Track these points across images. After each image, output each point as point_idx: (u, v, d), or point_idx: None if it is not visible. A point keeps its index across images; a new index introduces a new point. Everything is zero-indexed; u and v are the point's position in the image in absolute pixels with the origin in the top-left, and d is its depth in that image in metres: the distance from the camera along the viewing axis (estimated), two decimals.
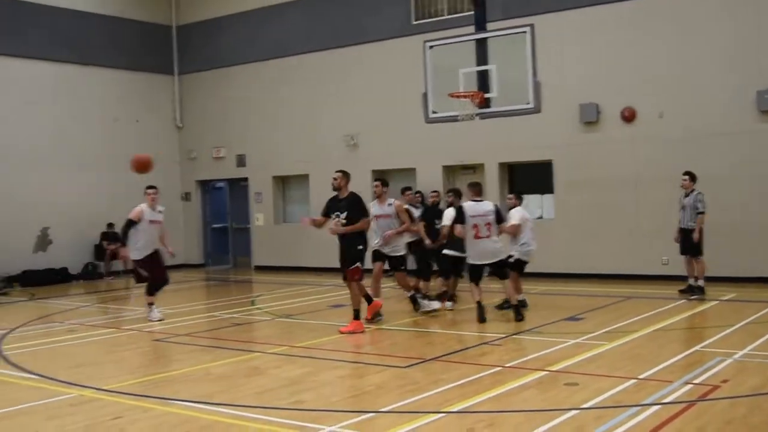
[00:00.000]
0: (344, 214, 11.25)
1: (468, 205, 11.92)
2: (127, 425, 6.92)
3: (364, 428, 6.64)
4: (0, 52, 19.78)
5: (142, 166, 10.82)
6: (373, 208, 12.41)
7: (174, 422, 7.01)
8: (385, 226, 12.38)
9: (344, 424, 6.67)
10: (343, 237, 11.35)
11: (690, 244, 13.73)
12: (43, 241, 20.46)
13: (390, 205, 12.50)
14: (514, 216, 12.52)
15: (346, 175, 11.60)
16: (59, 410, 7.52)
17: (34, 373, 9.13)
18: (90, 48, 21.60)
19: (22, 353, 10.56)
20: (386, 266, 12.66)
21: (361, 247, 11.31)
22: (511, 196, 12.99)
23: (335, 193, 11.53)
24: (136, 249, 12.82)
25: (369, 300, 11.90)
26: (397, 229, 12.36)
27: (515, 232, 12.38)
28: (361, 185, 18.09)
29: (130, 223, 12.68)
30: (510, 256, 12.46)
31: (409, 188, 14.94)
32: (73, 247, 20.86)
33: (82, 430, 6.85)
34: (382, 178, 12.93)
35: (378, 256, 12.46)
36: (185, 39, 23.63)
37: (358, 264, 11.26)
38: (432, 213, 13.99)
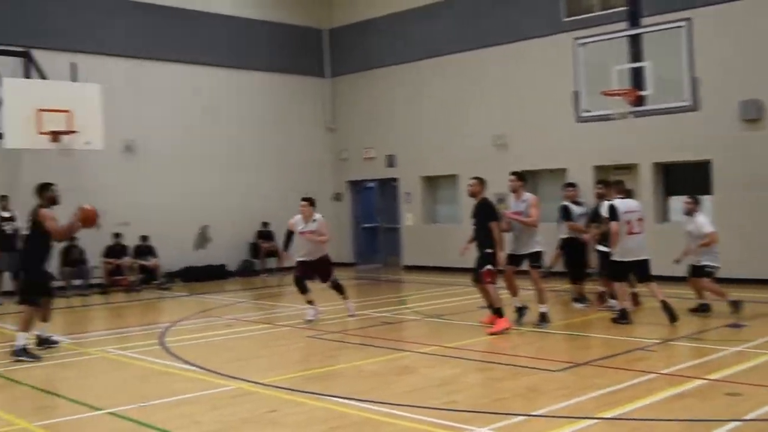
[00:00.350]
0: (474, 221, 11.62)
1: (618, 202, 11.83)
2: (280, 418, 7.14)
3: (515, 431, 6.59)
4: (168, 58, 20.81)
5: (89, 221, 10.58)
6: (511, 204, 12.24)
7: (325, 417, 7.17)
8: (517, 225, 12.01)
9: (495, 426, 6.64)
10: (475, 241, 11.60)
11: None
12: (203, 239, 21.35)
13: (524, 201, 12.04)
14: (704, 223, 12.26)
15: (480, 181, 11.83)
16: (219, 401, 7.83)
17: (194, 365, 9.54)
18: (248, 53, 22.39)
19: (183, 346, 11.05)
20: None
21: (490, 250, 11.37)
22: (689, 199, 12.50)
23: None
24: (300, 256, 13.12)
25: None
26: (523, 220, 11.85)
27: (715, 239, 12.09)
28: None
29: (289, 234, 13.07)
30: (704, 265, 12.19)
31: (572, 184, 14.48)
32: (231, 245, 21.68)
33: (240, 421, 7.11)
34: (518, 172, 12.56)
35: (511, 259, 12.06)
36: (337, 41, 24.09)
37: (489, 267, 11.36)
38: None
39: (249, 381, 8.59)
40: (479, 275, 11.49)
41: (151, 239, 19.44)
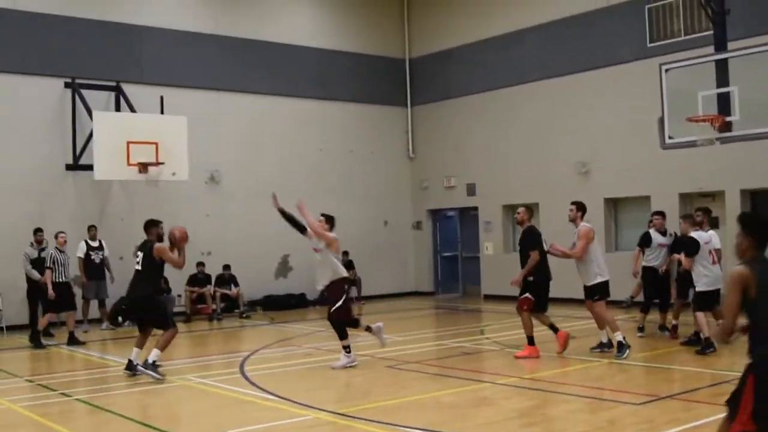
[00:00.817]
0: (519, 248, 12.21)
1: (697, 235, 11.87)
2: None
3: None
4: (250, 90, 21.22)
5: (184, 238, 11.25)
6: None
7: None
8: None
9: None
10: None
11: None
12: (284, 268, 21.57)
13: (575, 232, 11.90)
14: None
15: (528, 209, 12.41)
16: (296, 431, 7.84)
17: (273, 394, 9.59)
18: (327, 83, 22.67)
19: (262, 374, 11.14)
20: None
21: (531, 278, 11.69)
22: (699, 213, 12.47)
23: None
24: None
25: (554, 330, 11.96)
26: (563, 250, 11.89)
27: None
28: (594, 214, 17.71)
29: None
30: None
31: (659, 213, 14.14)
32: (311, 274, 21.74)
33: None
34: (577, 201, 12.32)
35: (585, 292, 12.06)
36: (417, 71, 24.20)
37: (527, 294, 11.70)
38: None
39: (326, 411, 8.60)
40: (518, 302, 11.86)
41: (233, 268, 19.72)
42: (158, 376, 10.64)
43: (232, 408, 9.15)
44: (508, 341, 13.48)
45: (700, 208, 12.98)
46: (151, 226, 11.43)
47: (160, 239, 11.35)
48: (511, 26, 21.39)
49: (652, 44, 18.07)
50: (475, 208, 22.61)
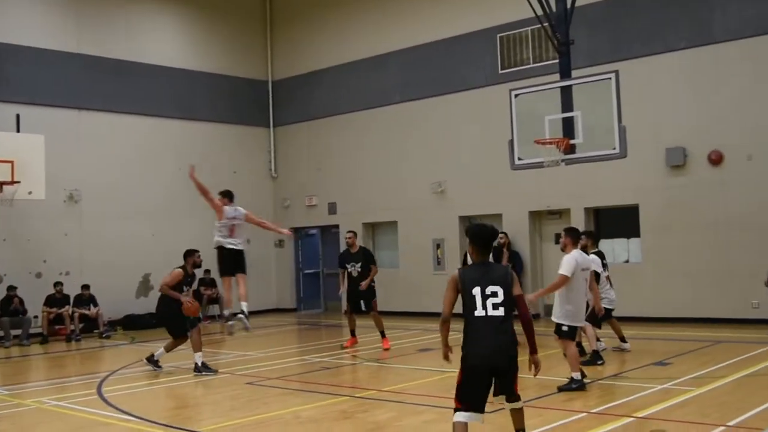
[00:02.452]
0: (359, 265, 14.79)
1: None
2: None
3: None
4: (113, 109, 20.94)
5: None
6: None
7: None
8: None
9: None
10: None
11: None
12: (145, 287, 21.28)
13: None
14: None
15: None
16: None
17: (131, 414, 9.54)
18: (190, 104, 22.63)
19: (122, 395, 11.02)
20: None
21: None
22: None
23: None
24: None
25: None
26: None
27: None
28: (449, 231, 18.36)
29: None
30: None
31: (585, 233, 12.70)
32: None
33: None
34: (566, 228, 11.37)
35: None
36: (280, 92, 24.43)
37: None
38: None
39: (186, 429, 8.64)
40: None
41: (93, 288, 19.33)
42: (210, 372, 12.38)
43: (88, 430, 9.06)
44: (367, 355, 13.82)
45: (586, 232, 13.07)
46: (187, 255, 13.16)
47: (196, 266, 13.27)
48: (372, 51, 21.97)
49: (503, 71, 18.96)
50: (337, 226, 22.96)
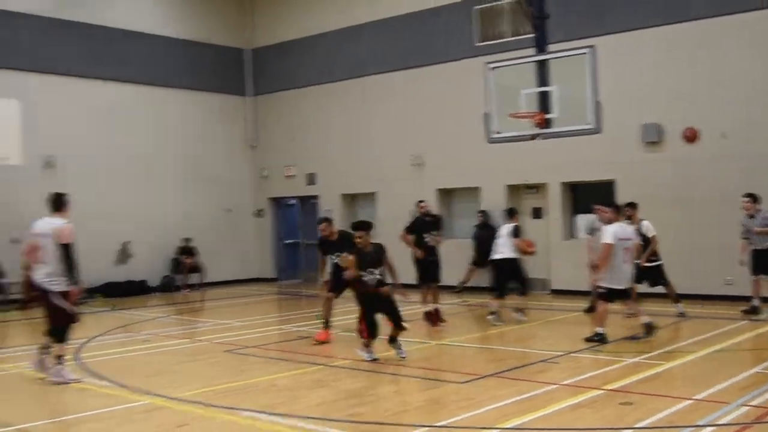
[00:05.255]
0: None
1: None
2: None
3: None
4: (89, 75, 20.78)
5: None
6: None
7: (234, 431, 7.43)
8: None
9: None
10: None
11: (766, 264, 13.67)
12: (124, 255, 21.30)
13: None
14: None
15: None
16: (129, 417, 8.00)
17: (109, 381, 9.66)
18: (168, 71, 22.51)
19: (99, 361, 11.13)
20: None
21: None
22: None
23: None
24: None
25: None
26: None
27: None
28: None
29: None
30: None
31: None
32: (152, 261, 21.68)
33: None
34: (609, 202, 12.70)
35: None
36: (260, 61, 24.33)
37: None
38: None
39: (162, 396, 8.75)
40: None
41: None
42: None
43: (65, 395, 9.16)
44: (344, 325, 13.94)
45: (629, 203, 13.74)
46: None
47: None
48: (349, 21, 21.91)
49: (479, 44, 18.96)
50: (316, 197, 23.01)
